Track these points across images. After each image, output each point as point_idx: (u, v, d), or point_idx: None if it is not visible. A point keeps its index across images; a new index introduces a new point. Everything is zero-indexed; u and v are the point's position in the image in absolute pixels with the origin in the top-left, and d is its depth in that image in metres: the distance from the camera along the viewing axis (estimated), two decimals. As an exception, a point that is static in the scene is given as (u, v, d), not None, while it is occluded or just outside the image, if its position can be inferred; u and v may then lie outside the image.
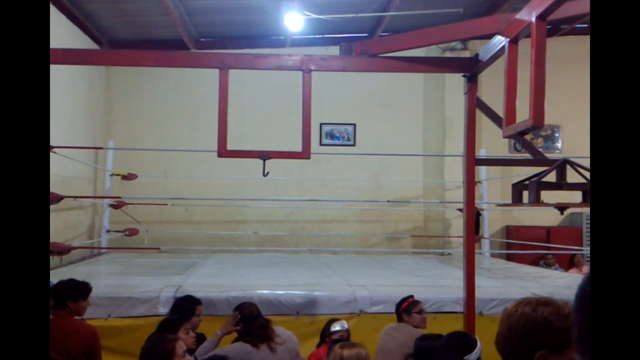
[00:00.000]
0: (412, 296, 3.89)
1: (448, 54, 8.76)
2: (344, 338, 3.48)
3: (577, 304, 0.89)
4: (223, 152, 3.62)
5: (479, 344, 2.55)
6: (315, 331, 4.03)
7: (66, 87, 7.18)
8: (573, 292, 0.91)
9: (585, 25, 8.23)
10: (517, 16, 2.90)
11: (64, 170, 6.92)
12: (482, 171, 8.44)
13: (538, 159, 3.69)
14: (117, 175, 8.07)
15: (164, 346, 2.56)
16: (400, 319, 3.81)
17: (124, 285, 4.86)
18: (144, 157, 8.53)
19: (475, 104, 3.83)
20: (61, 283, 3.53)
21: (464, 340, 2.57)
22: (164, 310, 4.27)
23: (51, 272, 4.85)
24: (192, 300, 3.78)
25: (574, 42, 8.55)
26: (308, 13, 6.73)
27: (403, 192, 9.01)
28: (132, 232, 7.79)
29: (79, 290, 3.49)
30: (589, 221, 8.28)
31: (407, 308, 3.79)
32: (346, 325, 3.71)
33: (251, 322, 3.39)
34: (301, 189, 8.75)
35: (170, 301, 4.26)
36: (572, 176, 3.19)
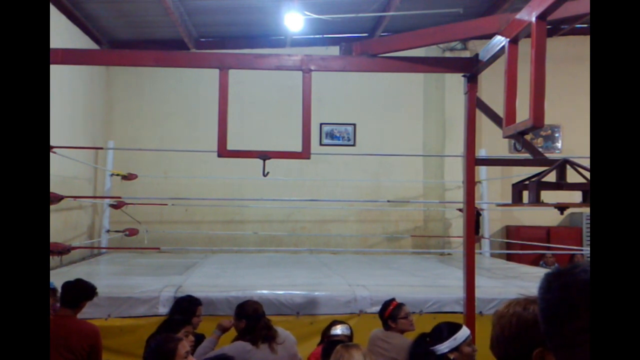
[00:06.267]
0: (394, 299, 3.66)
1: (448, 54, 8.76)
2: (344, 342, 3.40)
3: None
4: (223, 152, 3.62)
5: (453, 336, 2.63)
6: (316, 331, 4.02)
7: (66, 87, 7.18)
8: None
9: (585, 25, 8.23)
10: (517, 16, 2.90)
11: (64, 170, 6.92)
12: (482, 171, 8.44)
13: (538, 159, 3.69)
14: (117, 175, 8.07)
15: (167, 346, 2.58)
16: (386, 326, 3.57)
17: (124, 285, 4.86)
18: (144, 157, 8.53)
19: (475, 104, 3.83)
20: (74, 283, 3.52)
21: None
22: (164, 310, 4.27)
23: (51, 272, 4.85)
24: (192, 300, 3.78)
25: (574, 42, 8.55)
26: (308, 13, 6.73)
27: (403, 192, 9.01)
28: (132, 232, 7.79)
29: (93, 289, 3.53)
30: (589, 221, 8.28)
31: (392, 314, 3.54)
32: (348, 331, 3.50)
33: (255, 320, 3.38)
34: (301, 189, 8.74)
35: (170, 301, 4.26)
36: (572, 176, 3.18)
